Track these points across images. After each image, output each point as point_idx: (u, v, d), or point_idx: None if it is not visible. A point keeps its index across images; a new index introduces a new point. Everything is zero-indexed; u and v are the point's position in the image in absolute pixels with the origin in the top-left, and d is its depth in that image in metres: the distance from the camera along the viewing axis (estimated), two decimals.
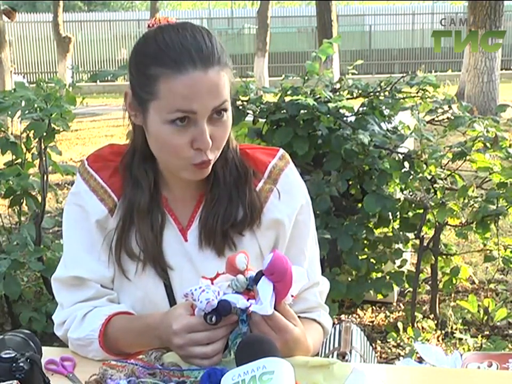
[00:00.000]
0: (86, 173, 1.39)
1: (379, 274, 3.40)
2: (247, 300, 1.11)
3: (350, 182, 3.33)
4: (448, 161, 3.32)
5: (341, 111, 3.31)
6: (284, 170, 1.39)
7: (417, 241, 3.38)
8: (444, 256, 3.44)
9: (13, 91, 3.38)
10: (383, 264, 3.40)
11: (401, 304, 3.70)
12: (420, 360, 2.34)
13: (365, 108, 3.38)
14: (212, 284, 1.14)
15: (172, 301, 1.35)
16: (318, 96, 3.32)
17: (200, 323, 1.12)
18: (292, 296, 1.15)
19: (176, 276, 1.35)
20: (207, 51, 1.22)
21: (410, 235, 3.43)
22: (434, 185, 3.25)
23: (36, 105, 3.16)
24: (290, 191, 1.39)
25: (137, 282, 1.36)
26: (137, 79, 1.27)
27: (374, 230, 3.38)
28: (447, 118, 3.42)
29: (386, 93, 3.46)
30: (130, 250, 1.35)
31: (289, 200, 1.38)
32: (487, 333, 3.31)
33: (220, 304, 1.09)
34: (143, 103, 1.26)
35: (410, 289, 3.46)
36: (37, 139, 3.27)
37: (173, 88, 1.21)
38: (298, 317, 1.22)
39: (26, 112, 3.19)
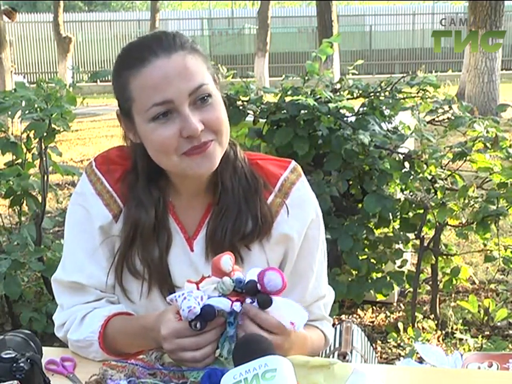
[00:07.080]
0: (93, 175, 1.35)
1: (379, 275, 3.39)
2: (234, 302, 1.09)
3: (350, 182, 3.33)
4: (449, 162, 3.32)
5: (341, 111, 3.31)
6: (296, 184, 1.37)
7: (418, 242, 3.37)
8: (444, 257, 3.44)
9: (13, 91, 3.38)
10: (383, 264, 3.39)
11: (401, 305, 3.70)
12: (420, 360, 2.34)
13: (365, 108, 3.38)
14: (198, 287, 1.11)
15: None
16: (319, 96, 3.32)
17: (187, 328, 1.09)
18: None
19: None
20: (166, 40, 1.21)
21: (411, 235, 3.43)
22: (435, 186, 3.25)
23: (36, 106, 3.16)
24: (301, 205, 1.36)
25: (141, 307, 1.32)
26: (117, 92, 1.26)
27: (374, 230, 3.38)
28: (448, 118, 3.42)
29: (387, 93, 3.46)
30: (134, 269, 1.31)
31: (299, 215, 1.35)
32: (487, 333, 3.31)
33: (203, 310, 1.06)
34: (127, 113, 1.25)
35: (411, 289, 3.46)
36: (37, 139, 3.27)
37: (141, 83, 1.19)
38: None
39: (27, 112, 3.19)
